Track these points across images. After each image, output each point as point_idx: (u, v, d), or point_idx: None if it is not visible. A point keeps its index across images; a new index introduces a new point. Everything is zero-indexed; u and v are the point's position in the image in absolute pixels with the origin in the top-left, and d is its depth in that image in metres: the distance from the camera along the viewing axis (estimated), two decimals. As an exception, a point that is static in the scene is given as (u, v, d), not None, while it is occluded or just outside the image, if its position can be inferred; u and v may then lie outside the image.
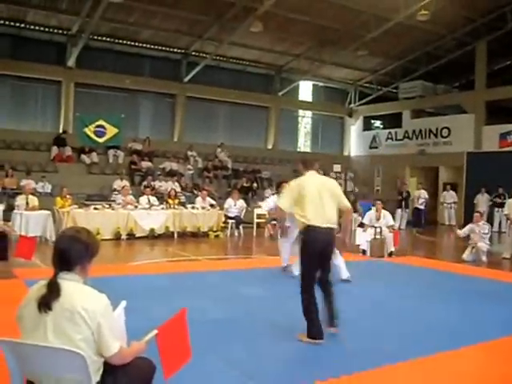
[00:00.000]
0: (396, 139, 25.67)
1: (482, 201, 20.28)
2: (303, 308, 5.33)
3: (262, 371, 4.45)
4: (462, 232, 12.38)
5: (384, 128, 27.63)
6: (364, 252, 11.86)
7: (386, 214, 12.10)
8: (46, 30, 19.44)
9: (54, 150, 18.93)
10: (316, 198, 5.42)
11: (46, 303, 2.60)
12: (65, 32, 19.62)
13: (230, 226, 15.54)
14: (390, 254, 11.89)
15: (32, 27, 19.18)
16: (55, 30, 19.59)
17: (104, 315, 2.63)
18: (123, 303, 3.02)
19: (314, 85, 27.17)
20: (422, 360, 4.82)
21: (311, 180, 5.60)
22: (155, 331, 2.92)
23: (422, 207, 20.30)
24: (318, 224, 5.35)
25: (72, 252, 2.71)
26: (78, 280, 2.71)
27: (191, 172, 20.64)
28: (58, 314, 2.59)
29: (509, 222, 13.21)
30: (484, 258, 11.80)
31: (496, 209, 19.51)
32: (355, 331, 5.74)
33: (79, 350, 2.52)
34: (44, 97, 20.59)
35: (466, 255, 11.98)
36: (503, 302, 7.59)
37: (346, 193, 21.99)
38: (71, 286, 2.66)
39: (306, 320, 5.28)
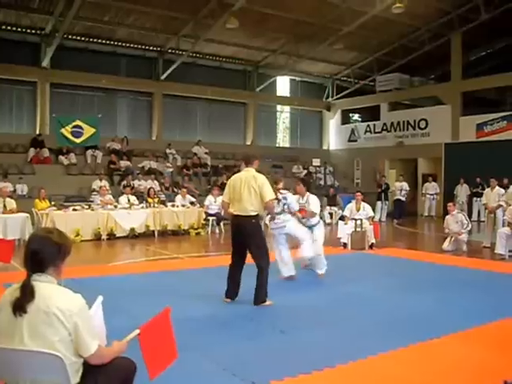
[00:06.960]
0: (374, 132, 25.81)
1: (462, 191, 20.53)
2: None
3: (245, 366, 4.45)
4: (446, 246, 12.14)
5: (362, 121, 27.77)
6: (345, 245, 11.91)
7: (365, 205, 12.17)
8: (19, 30, 19.10)
9: (32, 151, 18.68)
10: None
11: (20, 306, 2.57)
12: (38, 32, 19.35)
13: (210, 223, 15.50)
14: (371, 246, 11.97)
15: (3, 27, 18.80)
16: (28, 30, 19.27)
17: (80, 315, 2.60)
18: (99, 298, 2.98)
19: (291, 80, 27.19)
20: (403, 350, 4.85)
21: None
22: (137, 331, 2.89)
23: (403, 199, 20.50)
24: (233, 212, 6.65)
25: (44, 253, 2.68)
26: (51, 281, 2.68)
27: (170, 170, 20.53)
28: (34, 317, 2.56)
29: (487, 211, 13.36)
30: (464, 248, 11.92)
31: (475, 198, 19.77)
32: (337, 323, 5.78)
33: (56, 352, 2.50)
34: (19, 98, 20.28)
35: (445, 245, 12.09)
36: (483, 291, 7.68)
37: (325, 186, 22.31)
38: (45, 287, 2.63)
39: None
